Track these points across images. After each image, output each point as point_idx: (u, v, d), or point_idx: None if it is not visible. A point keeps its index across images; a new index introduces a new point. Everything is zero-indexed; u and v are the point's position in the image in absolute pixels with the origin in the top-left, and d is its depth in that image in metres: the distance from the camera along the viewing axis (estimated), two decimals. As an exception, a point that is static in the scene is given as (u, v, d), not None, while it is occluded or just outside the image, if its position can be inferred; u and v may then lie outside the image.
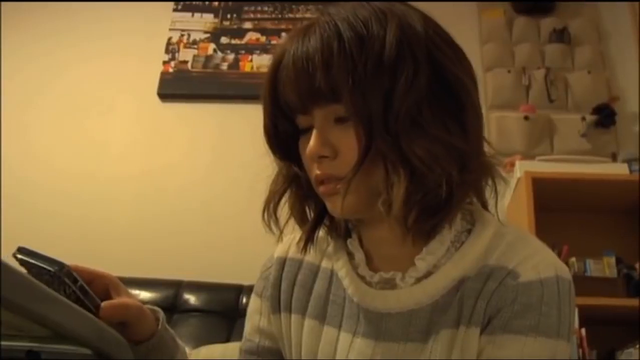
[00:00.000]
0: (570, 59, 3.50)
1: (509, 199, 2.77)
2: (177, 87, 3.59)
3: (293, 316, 1.01)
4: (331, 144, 0.85)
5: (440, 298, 0.88)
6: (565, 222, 2.81)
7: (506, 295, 0.84)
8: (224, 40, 3.71)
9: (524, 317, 0.83)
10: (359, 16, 0.83)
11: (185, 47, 3.70)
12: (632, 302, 2.39)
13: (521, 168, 2.67)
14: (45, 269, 0.73)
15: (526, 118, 3.23)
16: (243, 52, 3.66)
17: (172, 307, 2.80)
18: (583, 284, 2.31)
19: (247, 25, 3.75)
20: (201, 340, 2.42)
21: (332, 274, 1.00)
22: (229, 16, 3.79)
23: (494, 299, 0.85)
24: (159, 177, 3.37)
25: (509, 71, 3.44)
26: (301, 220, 0.97)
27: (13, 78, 3.65)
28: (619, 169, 2.71)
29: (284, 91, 0.89)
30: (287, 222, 0.98)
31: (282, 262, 1.07)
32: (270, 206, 0.98)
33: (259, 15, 3.77)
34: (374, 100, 0.80)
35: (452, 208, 0.86)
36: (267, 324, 1.05)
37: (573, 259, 2.54)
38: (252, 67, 3.60)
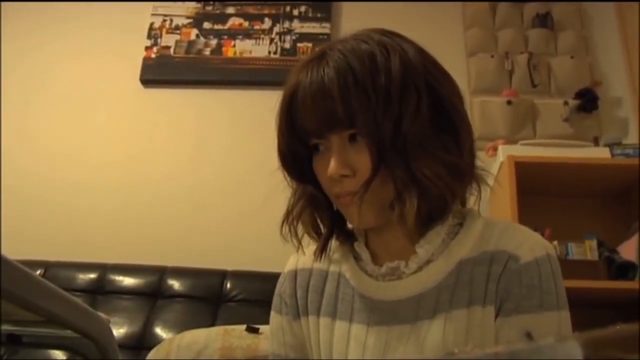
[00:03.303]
0: (553, 44, 3.51)
1: (492, 183, 2.77)
2: (159, 72, 3.57)
3: (310, 318, 1.12)
4: (349, 163, 0.96)
5: (443, 280, 1.00)
6: (548, 205, 2.83)
7: (512, 278, 0.96)
8: (206, 25, 3.69)
9: (530, 297, 0.95)
10: (365, 51, 0.94)
11: (167, 32, 3.67)
12: (614, 284, 2.41)
13: (504, 152, 2.68)
14: None
15: (509, 103, 3.25)
16: (226, 37, 3.64)
17: (157, 292, 2.80)
18: (565, 267, 2.29)
19: (230, 10, 3.72)
20: (185, 325, 2.42)
21: (339, 275, 1.12)
22: (211, 1, 3.76)
23: (502, 282, 0.97)
24: (142, 163, 3.36)
25: (492, 56, 3.45)
26: (316, 233, 1.09)
27: (9, 69, 3.64)
28: (601, 153, 2.72)
29: (302, 119, 0.98)
30: (302, 235, 1.08)
31: (294, 274, 1.18)
32: (289, 221, 1.07)
33: (241, 1, 3.74)
34: (385, 126, 0.91)
35: (448, 212, 1.02)
36: (291, 337, 1.15)
37: (555, 243, 2.55)
38: (235, 53, 3.58)
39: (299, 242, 1.08)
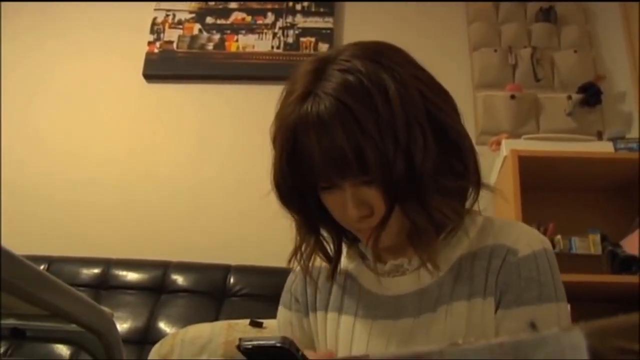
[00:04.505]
0: (557, 38, 3.50)
1: (496, 177, 2.78)
2: (162, 67, 3.57)
3: (319, 313, 1.15)
4: (366, 203, 0.96)
5: (445, 274, 1.03)
6: (551, 200, 2.83)
7: (511, 271, 0.99)
8: (209, 20, 3.68)
9: (529, 289, 0.97)
10: (359, 88, 0.91)
11: (170, 27, 3.67)
12: (617, 278, 2.41)
13: (507, 146, 2.68)
14: (274, 345, 0.82)
15: (512, 97, 3.24)
16: (229, 32, 3.64)
17: (160, 287, 2.80)
18: (568, 261, 2.33)
19: (233, 5, 3.72)
20: (189, 320, 2.42)
21: (346, 273, 1.15)
22: (214, -4, 3.76)
23: (502, 274, 1.00)
24: (146, 158, 3.36)
25: (495, 50, 3.44)
26: (326, 257, 1.10)
27: (11, 67, 3.64)
28: (604, 148, 2.72)
29: (308, 166, 0.95)
30: (313, 261, 1.10)
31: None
32: (298, 258, 1.08)
33: (244, -5, 3.74)
34: (397, 168, 0.90)
35: (453, 227, 1.04)
36: (300, 333, 1.18)
37: (559, 237, 2.55)
38: (237, 47, 3.58)
39: (310, 276, 1.13)
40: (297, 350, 0.84)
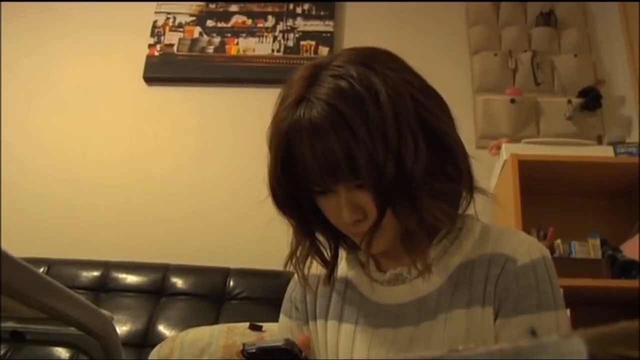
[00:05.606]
0: (557, 42, 3.50)
1: (495, 181, 2.78)
2: (162, 70, 3.57)
3: (318, 321, 1.16)
4: (360, 207, 0.97)
5: (443, 283, 1.04)
6: (551, 204, 2.83)
7: (510, 279, 1.00)
8: (210, 23, 3.68)
9: (528, 297, 0.98)
10: (351, 94, 0.92)
11: (170, 30, 3.67)
12: (617, 283, 2.41)
13: (507, 150, 2.68)
14: (278, 347, 0.86)
15: (512, 101, 3.24)
16: (229, 35, 3.63)
17: (160, 290, 2.80)
18: (568, 265, 2.33)
19: (233, 8, 3.72)
20: (189, 323, 2.42)
21: (346, 281, 1.15)
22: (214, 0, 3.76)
23: (501, 283, 1.00)
24: (145, 160, 3.36)
25: (495, 54, 3.43)
26: (323, 262, 1.11)
27: (12, 67, 3.64)
28: (604, 152, 2.72)
29: (302, 171, 0.97)
30: (309, 267, 1.10)
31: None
32: (294, 262, 1.09)
33: (245, -2, 3.74)
34: (388, 173, 0.91)
35: (448, 230, 1.06)
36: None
37: (558, 241, 2.55)
38: (238, 51, 3.58)
39: (306, 281, 1.11)
40: (300, 351, 0.85)
